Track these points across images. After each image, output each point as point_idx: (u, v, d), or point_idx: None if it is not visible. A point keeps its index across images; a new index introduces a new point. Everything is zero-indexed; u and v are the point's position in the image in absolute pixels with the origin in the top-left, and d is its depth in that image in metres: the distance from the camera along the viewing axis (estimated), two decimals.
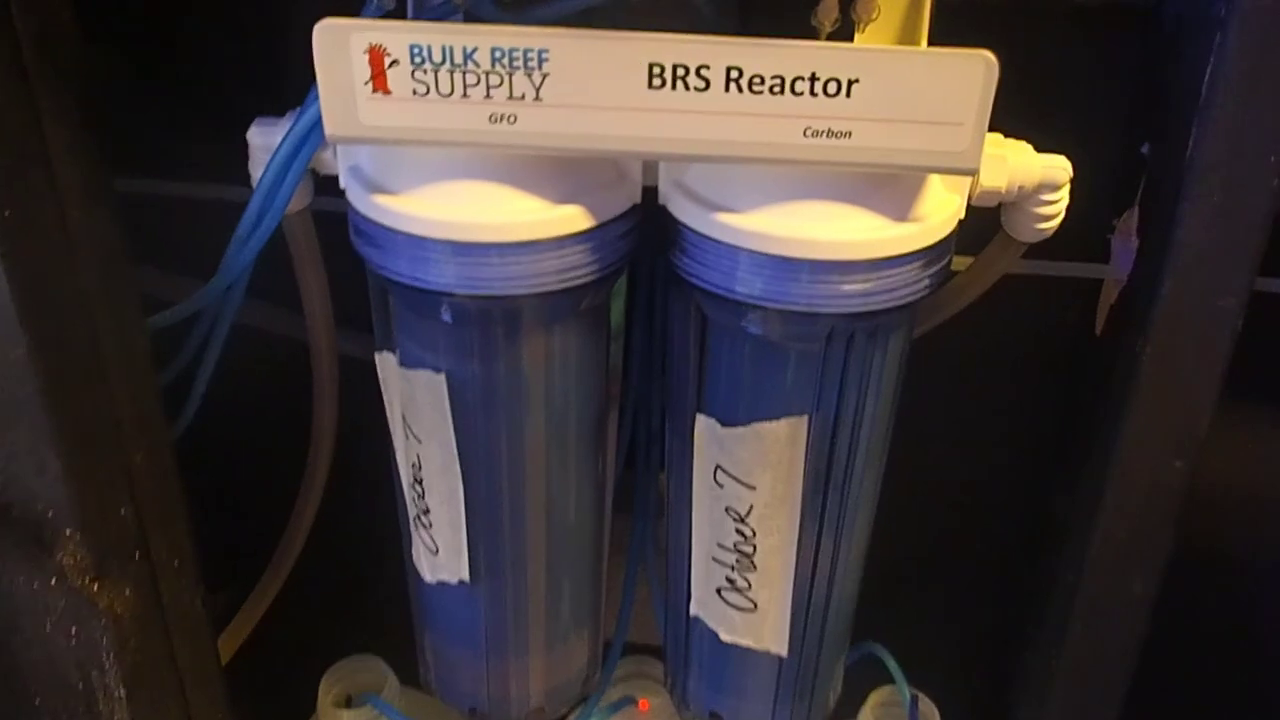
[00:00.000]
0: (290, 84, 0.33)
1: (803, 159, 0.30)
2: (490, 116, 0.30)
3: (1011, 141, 0.34)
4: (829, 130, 0.29)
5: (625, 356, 0.41)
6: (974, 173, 0.30)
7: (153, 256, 0.40)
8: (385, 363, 0.37)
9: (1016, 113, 0.32)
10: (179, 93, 0.45)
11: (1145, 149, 0.39)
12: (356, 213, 0.34)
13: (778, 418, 0.35)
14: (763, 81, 0.29)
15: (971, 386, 0.48)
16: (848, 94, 0.29)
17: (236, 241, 0.36)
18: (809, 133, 0.29)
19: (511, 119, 0.30)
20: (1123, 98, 0.40)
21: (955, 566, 0.52)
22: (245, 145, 0.35)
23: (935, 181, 0.33)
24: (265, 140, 0.34)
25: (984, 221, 0.37)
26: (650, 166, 0.34)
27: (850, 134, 0.29)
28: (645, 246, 0.37)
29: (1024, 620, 0.49)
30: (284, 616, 0.50)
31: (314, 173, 0.36)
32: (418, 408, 0.37)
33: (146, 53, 0.44)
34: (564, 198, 0.32)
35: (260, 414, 0.49)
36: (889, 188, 0.32)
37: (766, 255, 0.32)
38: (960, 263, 0.39)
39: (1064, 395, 0.46)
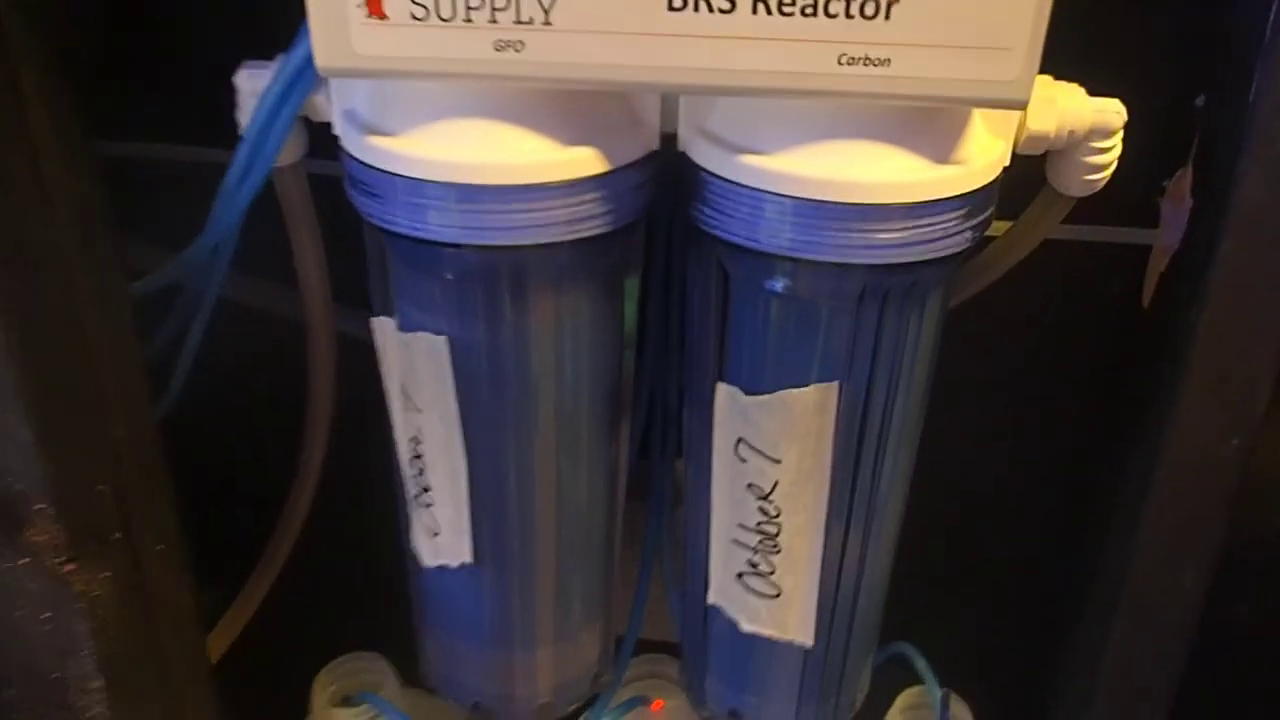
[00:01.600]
0: (282, 37, 0.31)
1: (836, 90, 0.27)
2: (495, 44, 0.27)
3: (1061, 83, 0.31)
4: (865, 57, 0.27)
5: (639, 338, 0.38)
6: (1023, 106, 0.27)
7: (135, 226, 0.37)
8: (383, 328, 0.35)
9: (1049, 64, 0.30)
10: (161, 48, 0.43)
11: (1199, 101, 0.36)
12: (350, 159, 0.31)
13: (806, 385, 0.32)
14: (793, 2, 0.26)
15: (1006, 364, 0.45)
16: (886, 15, 0.26)
17: (224, 195, 0.34)
18: (844, 60, 0.27)
19: (518, 46, 0.27)
20: (1171, 47, 0.37)
21: (987, 559, 0.49)
22: (233, 97, 0.32)
23: (979, 124, 0.30)
24: (254, 85, 0.32)
25: (1022, 187, 0.34)
26: (669, 112, 0.31)
27: (889, 61, 0.27)
28: (663, 207, 0.35)
29: (1063, 616, 0.46)
30: (278, 612, 0.47)
31: (307, 123, 0.33)
32: (417, 376, 0.34)
33: (126, 3, 0.42)
34: (575, 139, 0.30)
35: (252, 397, 0.46)
36: (929, 127, 0.29)
37: (794, 199, 0.29)
38: (997, 229, 0.36)
39: (1107, 372, 0.43)
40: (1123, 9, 0.36)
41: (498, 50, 0.27)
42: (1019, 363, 0.45)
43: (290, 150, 0.34)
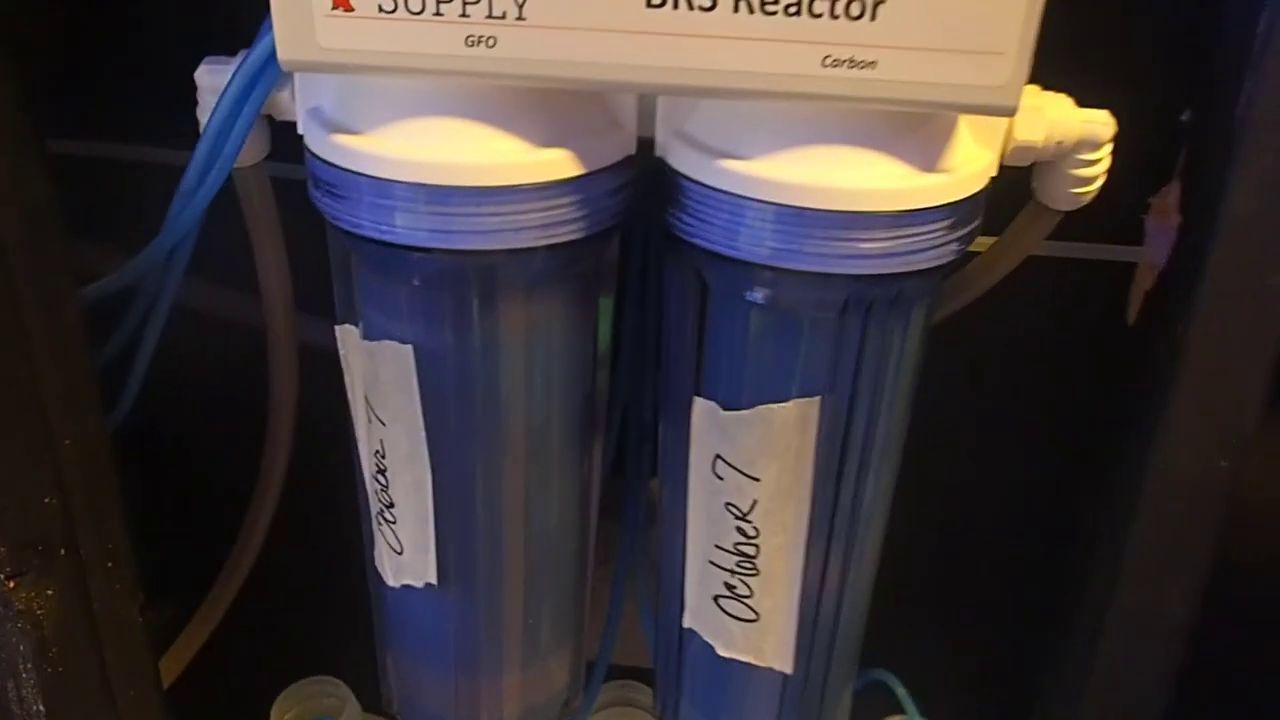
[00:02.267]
0: (247, 32, 0.30)
1: (820, 93, 0.26)
2: (467, 39, 0.26)
3: (1049, 93, 0.31)
4: (851, 59, 0.26)
5: (613, 351, 0.37)
6: (1012, 112, 0.26)
7: (92, 228, 0.36)
8: (347, 336, 0.33)
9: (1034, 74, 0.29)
10: (120, 43, 0.41)
11: (1185, 116, 0.35)
12: (314, 158, 0.30)
13: (786, 400, 0.31)
14: (776, 1, 0.25)
15: (987, 383, 0.44)
16: (873, 16, 0.25)
17: (181, 195, 0.32)
18: (828, 62, 0.26)
19: (490, 42, 0.26)
20: (1155, 62, 0.37)
21: (969, 582, 0.48)
22: (194, 95, 0.31)
23: (965, 133, 0.29)
24: (215, 80, 0.31)
25: (1005, 203, 0.33)
26: (646, 114, 0.30)
27: (875, 64, 0.26)
28: (639, 215, 0.34)
29: (1048, 642, 0.45)
30: (235, 633, 0.45)
31: (270, 121, 0.32)
32: (382, 385, 0.33)
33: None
34: (549, 141, 0.29)
35: (211, 409, 0.45)
36: (915, 134, 0.28)
37: (775, 205, 0.28)
38: (980, 244, 0.35)
39: (1091, 391, 0.42)
40: (1103, 21, 0.35)
41: (469, 46, 0.26)
42: (1000, 382, 0.44)
43: (252, 150, 0.32)
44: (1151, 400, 0.36)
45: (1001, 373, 0.44)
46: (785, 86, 0.26)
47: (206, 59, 0.31)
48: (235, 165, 0.32)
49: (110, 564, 0.38)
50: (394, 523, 0.35)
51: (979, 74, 0.26)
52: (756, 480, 0.32)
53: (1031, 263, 0.36)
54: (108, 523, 0.37)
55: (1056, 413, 0.44)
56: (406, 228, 0.29)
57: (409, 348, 0.31)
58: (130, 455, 0.38)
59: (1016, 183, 0.33)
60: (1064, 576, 0.43)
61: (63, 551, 0.35)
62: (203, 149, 0.31)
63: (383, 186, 0.29)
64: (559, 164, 0.29)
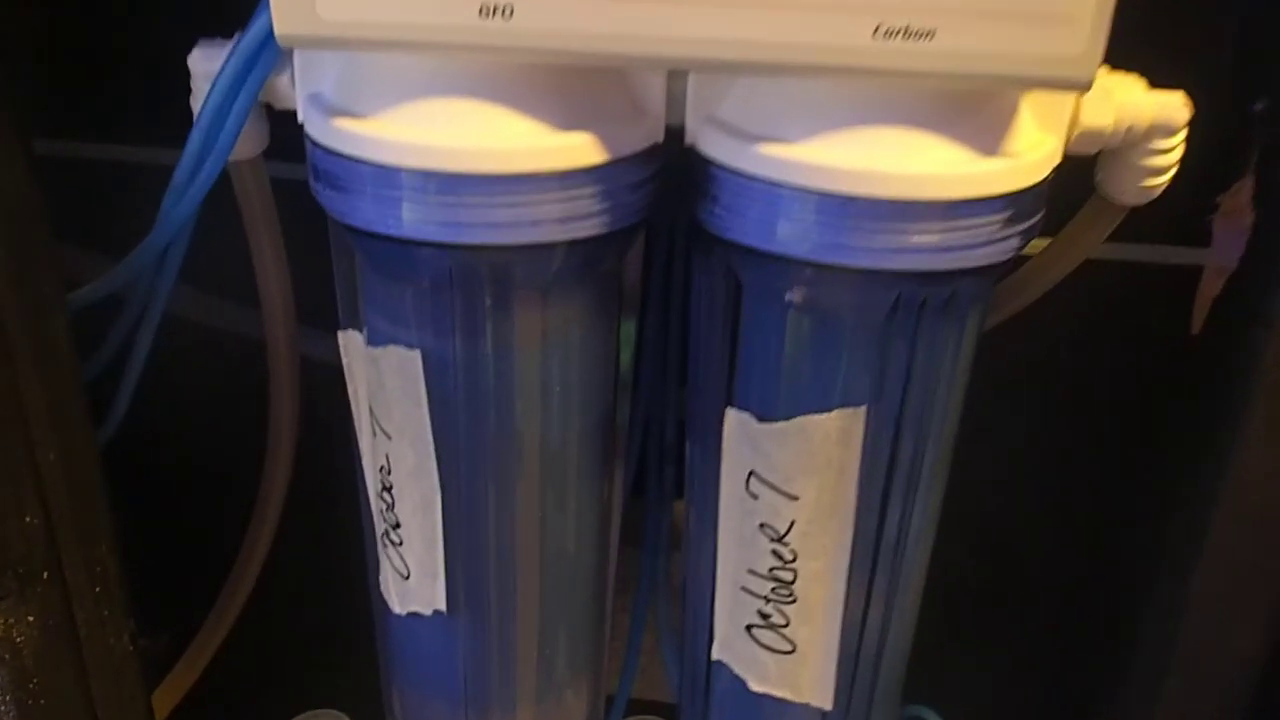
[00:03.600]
0: (241, 20, 0.28)
1: (871, 67, 0.24)
2: (480, 9, 0.24)
3: (1118, 74, 0.28)
4: (906, 29, 0.23)
5: (635, 358, 0.35)
6: (1087, 87, 0.24)
7: (77, 232, 0.34)
8: (350, 343, 0.31)
9: None
10: (110, 38, 0.39)
11: (1260, 105, 0.33)
12: (315, 147, 0.28)
13: (828, 410, 0.28)
14: None
15: (1037, 398, 0.41)
16: None
17: (174, 190, 0.30)
18: (881, 32, 0.23)
19: (507, 12, 0.24)
20: (1225, 48, 0.34)
21: (1010, 610, 0.45)
22: (187, 89, 0.29)
23: (1027, 117, 0.27)
24: (209, 66, 0.28)
25: (1059, 202, 0.31)
26: (674, 101, 0.28)
27: (932, 34, 0.23)
28: (663, 213, 0.31)
29: (1101, 679, 0.41)
30: (233, 663, 0.43)
31: (269, 112, 0.30)
32: (387, 396, 0.30)
33: None
34: (570, 125, 0.26)
35: (207, 424, 0.42)
36: (973, 115, 0.26)
37: (817, 193, 0.25)
38: (1034, 246, 0.33)
39: (1148, 407, 0.39)
40: (1174, 5, 0.33)
41: (483, 17, 0.24)
42: (1045, 398, 0.41)
43: (249, 142, 0.30)
44: (1221, 418, 0.34)
45: (1046, 387, 0.41)
46: (831, 60, 0.24)
47: (200, 42, 0.29)
48: (231, 158, 0.30)
49: (98, 589, 0.35)
50: (400, 545, 0.32)
51: (1050, 44, 0.23)
52: (794, 499, 0.30)
53: (1085, 266, 0.33)
54: (95, 545, 0.35)
55: (1107, 431, 0.41)
56: (414, 220, 0.27)
57: (416, 354, 0.29)
58: (120, 473, 0.35)
59: (1072, 177, 0.30)
60: (1117, 606, 0.40)
61: (45, 575, 0.33)
62: (196, 139, 0.29)
63: (387, 175, 0.26)
64: (581, 150, 0.26)
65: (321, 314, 0.33)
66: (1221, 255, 0.34)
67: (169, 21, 0.31)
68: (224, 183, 0.31)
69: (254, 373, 0.36)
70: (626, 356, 0.33)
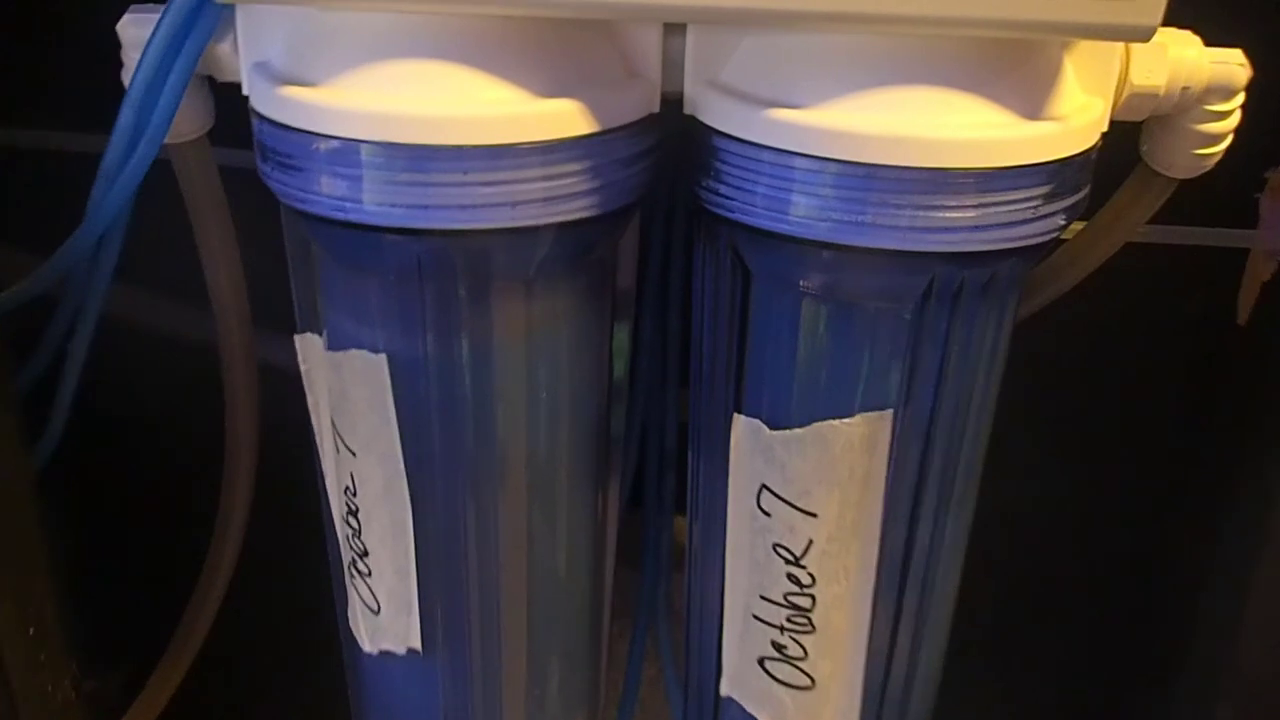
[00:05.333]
0: None
1: (898, 14, 0.21)
2: None
3: (1170, 30, 0.25)
4: None
5: (629, 360, 0.31)
6: (1150, 35, 0.21)
7: (3, 229, 0.30)
8: (308, 348, 0.28)
9: None
10: (31, 11, 0.35)
11: None
12: (262, 122, 0.24)
13: (850, 414, 0.25)
14: None
15: (1071, 393, 0.38)
16: None
17: (104, 177, 0.27)
18: None
19: None
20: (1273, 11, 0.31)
21: (1038, 631, 0.42)
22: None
23: (1071, 77, 0.24)
24: (140, 32, 0.25)
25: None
26: (671, 66, 0.24)
27: None
28: (660, 194, 0.28)
29: (1145, 702, 0.38)
30: (192, 708, 0.39)
31: (212, 85, 0.27)
32: (351, 406, 0.27)
33: None
34: (554, 89, 0.23)
35: (157, 444, 0.39)
36: (1011, 73, 0.23)
37: (835, 163, 0.22)
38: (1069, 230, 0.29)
39: (1190, 404, 0.36)
40: None
41: None
42: (1077, 393, 0.38)
43: (190, 120, 0.27)
44: (1275, 412, 0.30)
45: (1081, 381, 0.37)
46: (851, 7, 0.21)
47: (131, 8, 0.25)
48: (171, 139, 0.26)
49: (32, 630, 0.32)
50: (368, 575, 0.29)
51: None
52: (812, 516, 0.26)
53: (1122, 249, 0.30)
54: (31, 585, 0.32)
55: (1146, 429, 0.38)
56: (376, 203, 0.23)
57: (382, 358, 0.25)
58: (60, 496, 0.32)
59: (1112, 147, 0.27)
60: (1165, 627, 0.37)
61: None
62: (127, 115, 0.25)
63: (345, 150, 0.23)
64: (566, 119, 0.23)
65: (285, 315, 0.29)
66: (1270, 237, 0.31)
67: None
68: (168, 168, 0.28)
69: (210, 383, 0.33)
70: (621, 355, 0.30)
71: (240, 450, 0.34)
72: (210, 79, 0.26)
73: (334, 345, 0.27)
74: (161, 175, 0.28)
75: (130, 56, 0.25)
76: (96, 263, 0.29)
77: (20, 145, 0.36)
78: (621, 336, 0.30)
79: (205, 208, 0.29)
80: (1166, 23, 0.25)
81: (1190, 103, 0.25)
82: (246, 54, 0.25)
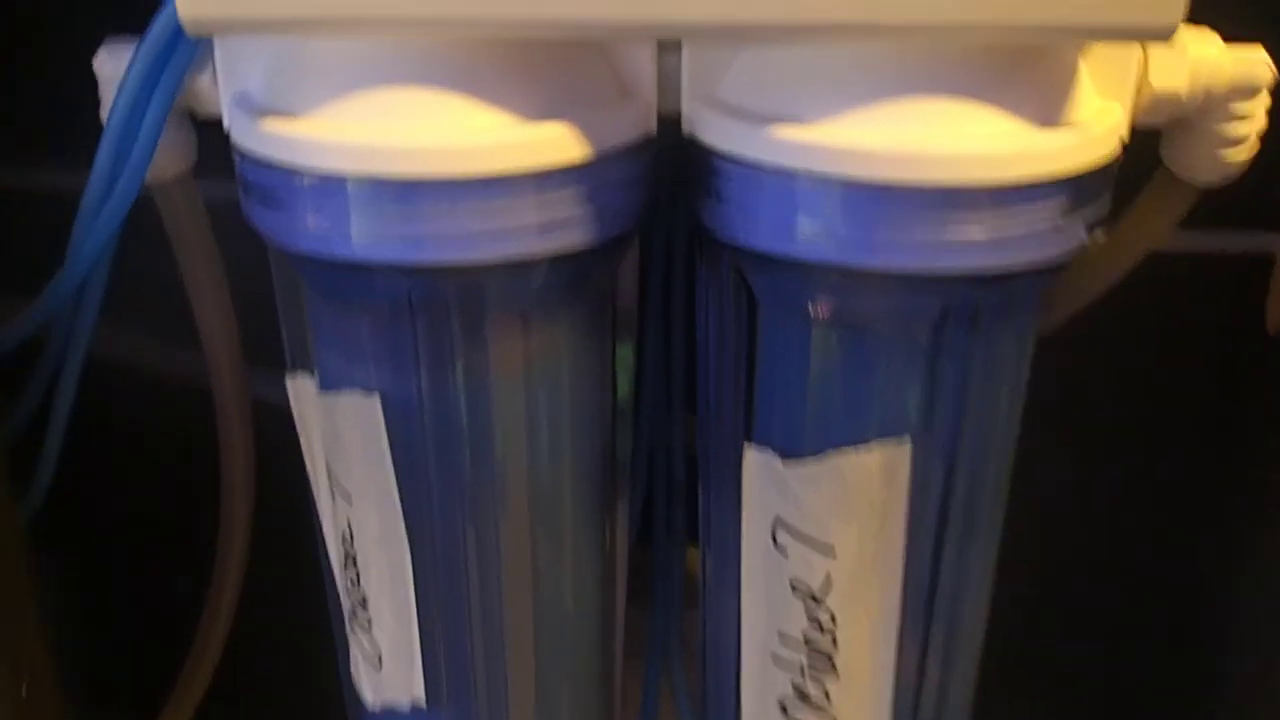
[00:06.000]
0: None
1: (903, 21, 0.20)
2: None
3: (1187, 27, 0.24)
4: None
5: (634, 389, 0.30)
6: (1170, 34, 0.19)
7: None
8: (300, 389, 0.27)
9: None
10: (9, 48, 0.35)
11: None
12: (243, 157, 0.23)
13: (866, 443, 0.24)
14: None
15: (1093, 409, 0.36)
16: None
17: (84, 217, 0.26)
18: None
19: None
20: None
21: (1071, 659, 0.40)
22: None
23: (1085, 81, 0.23)
24: (118, 68, 0.24)
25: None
26: (667, 83, 0.23)
27: None
28: (660, 216, 0.27)
29: None
30: None
31: (195, 121, 0.26)
32: (345, 450, 0.26)
33: None
34: (545, 114, 0.22)
35: (148, 489, 0.38)
36: (1024, 79, 0.21)
37: (843, 181, 0.21)
38: None
39: (1217, 418, 0.35)
40: None
41: None
42: (1110, 408, 0.36)
43: (173, 156, 0.26)
44: None
45: (1104, 396, 0.36)
46: (855, 15, 0.20)
47: (107, 40, 0.24)
48: (152, 177, 0.26)
49: (24, 688, 0.31)
50: (369, 626, 0.27)
51: None
52: (830, 551, 0.25)
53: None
54: (21, 634, 0.30)
55: (1174, 444, 0.37)
56: (364, 238, 0.22)
57: (375, 399, 0.24)
58: (52, 547, 0.31)
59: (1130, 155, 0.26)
60: (1194, 653, 0.36)
61: None
62: (105, 153, 0.24)
63: (329, 185, 0.22)
64: (558, 144, 0.22)
65: (281, 351, 0.28)
66: None
67: (84, 24, 0.27)
68: (152, 204, 0.27)
69: (202, 422, 0.32)
70: (624, 384, 0.29)
71: (236, 494, 0.33)
72: (193, 115, 0.25)
73: (326, 386, 0.25)
74: (150, 209, 0.27)
75: (108, 93, 0.24)
76: (80, 306, 0.28)
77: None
78: (625, 354, 0.29)
79: (192, 247, 0.28)
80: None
81: (1213, 104, 0.24)
82: (226, 85, 0.24)
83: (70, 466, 0.31)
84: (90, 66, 0.25)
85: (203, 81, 0.24)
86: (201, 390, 0.31)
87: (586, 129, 0.22)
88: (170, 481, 0.35)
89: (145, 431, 0.36)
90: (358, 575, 0.27)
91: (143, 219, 0.27)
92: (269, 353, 0.29)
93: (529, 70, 0.22)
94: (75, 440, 0.31)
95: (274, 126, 0.22)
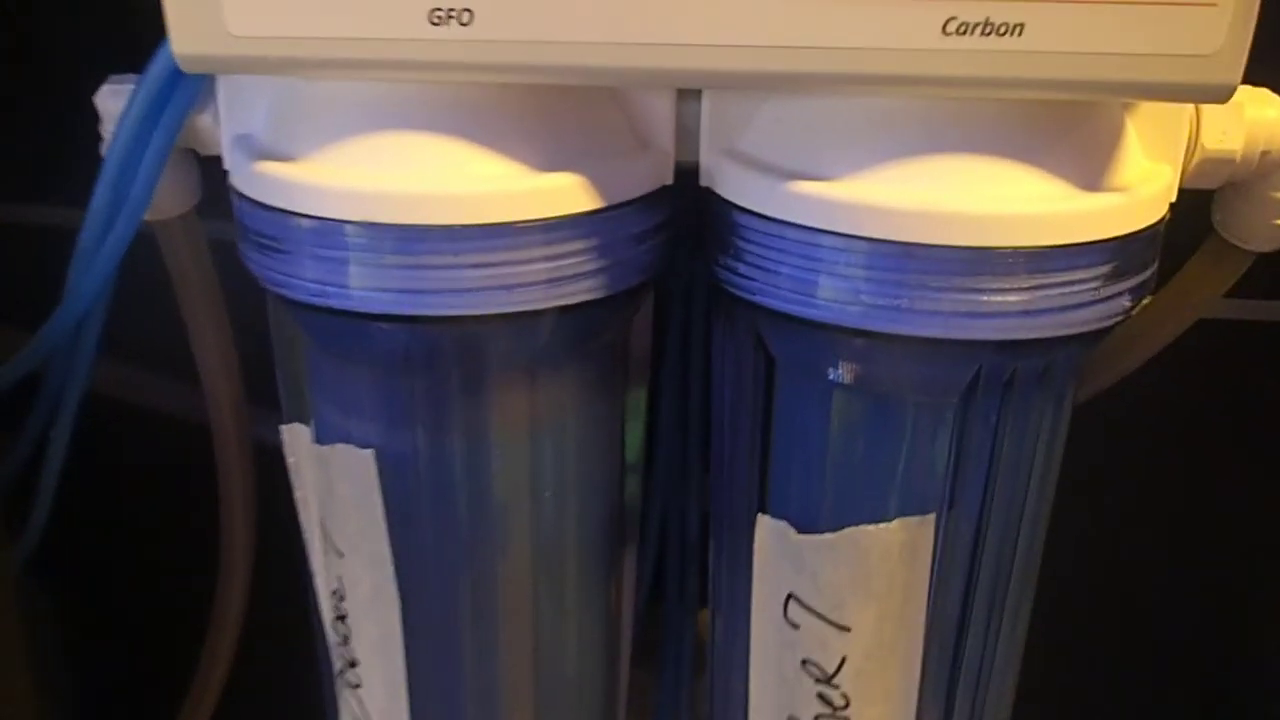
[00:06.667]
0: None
1: (940, 76, 0.18)
2: (432, 13, 0.19)
3: (1244, 86, 0.22)
4: (986, 22, 0.18)
5: (649, 439, 0.29)
6: (1228, 95, 0.18)
7: None
8: (295, 439, 0.25)
9: None
10: (11, 82, 0.34)
11: None
12: (241, 200, 0.22)
13: (887, 518, 0.22)
14: None
15: (1134, 484, 0.34)
16: None
17: (81, 256, 0.25)
18: (953, 26, 0.18)
19: (464, 16, 0.19)
20: None
21: None
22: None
23: (1134, 141, 0.21)
24: (119, 103, 0.23)
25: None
26: (686, 132, 0.22)
27: (1021, 28, 0.18)
28: (679, 269, 0.26)
29: None
30: None
31: (199, 160, 0.25)
32: (338, 503, 0.24)
33: None
34: (556, 163, 0.21)
35: (146, 532, 0.37)
36: (1067, 138, 0.20)
37: (868, 241, 0.20)
38: None
39: (1274, 495, 0.33)
40: None
41: (435, 24, 0.19)
42: (1153, 483, 0.34)
43: (175, 196, 0.25)
44: None
45: (1147, 471, 0.34)
46: (888, 68, 0.18)
47: (110, 78, 0.24)
48: (153, 215, 0.25)
49: None
50: (358, 687, 0.26)
51: (1176, 38, 0.18)
52: (846, 630, 0.23)
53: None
54: (11, 682, 0.29)
55: (1221, 521, 0.35)
56: (362, 288, 0.21)
57: (369, 453, 0.23)
58: (47, 586, 0.30)
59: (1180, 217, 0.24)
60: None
61: None
62: (102, 192, 0.24)
63: (327, 231, 0.21)
64: (570, 194, 0.21)
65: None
66: None
67: (89, 59, 0.26)
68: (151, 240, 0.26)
69: (203, 463, 0.31)
70: (635, 441, 0.28)
71: (236, 536, 0.31)
72: (196, 153, 0.24)
73: (321, 438, 0.24)
74: (152, 244, 0.26)
75: (109, 128, 0.24)
76: (77, 345, 0.27)
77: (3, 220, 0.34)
78: (636, 403, 0.27)
79: (193, 288, 0.27)
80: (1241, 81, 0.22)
81: (1270, 168, 0.22)
82: (228, 126, 0.23)
83: (67, 504, 0.30)
84: (94, 102, 0.24)
85: (204, 121, 0.23)
86: (203, 428, 0.30)
87: (598, 178, 0.21)
88: (170, 521, 0.34)
89: (144, 470, 0.35)
90: (348, 634, 0.26)
91: (147, 252, 0.26)
92: (273, 393, 0.28)
93: (539, 117, 0.21)
94: (73, 478, 0.30)
95: (271, 169, 0.21)
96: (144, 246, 0.26)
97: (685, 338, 0.27)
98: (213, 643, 0.34)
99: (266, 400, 0.29)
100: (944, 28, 0.18)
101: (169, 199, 0.25)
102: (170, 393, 0.32)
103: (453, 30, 0.19)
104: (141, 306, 0.27)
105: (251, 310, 0.27)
